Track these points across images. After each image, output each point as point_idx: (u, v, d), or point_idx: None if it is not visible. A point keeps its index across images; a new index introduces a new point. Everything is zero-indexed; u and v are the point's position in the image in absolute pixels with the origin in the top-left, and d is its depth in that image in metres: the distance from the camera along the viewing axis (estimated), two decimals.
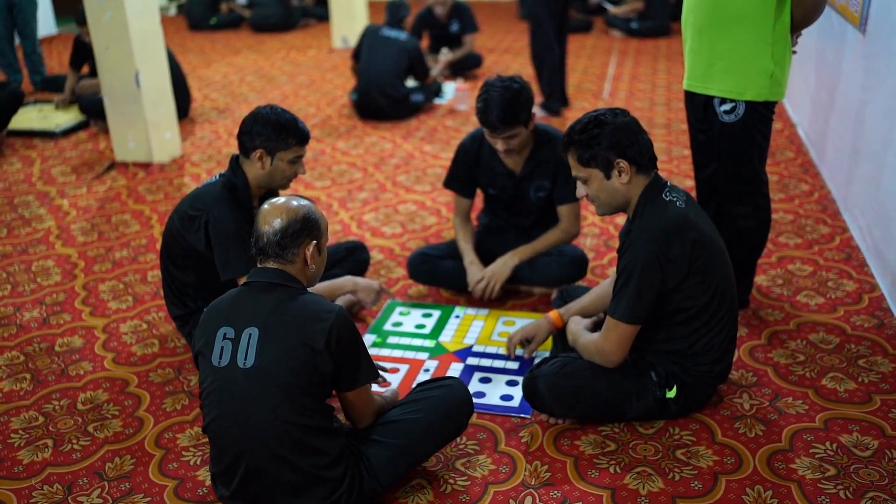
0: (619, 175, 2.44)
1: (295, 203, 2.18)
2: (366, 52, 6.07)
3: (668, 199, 2.45)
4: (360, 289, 3.08)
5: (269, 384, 2.06)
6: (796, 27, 2.90)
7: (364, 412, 2.29)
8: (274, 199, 2.20)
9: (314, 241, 2.19)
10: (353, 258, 3.39)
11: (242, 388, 2.07)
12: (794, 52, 3.01)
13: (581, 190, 2.55)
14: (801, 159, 4.85)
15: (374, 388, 2.50)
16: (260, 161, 2.81)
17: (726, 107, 2.94)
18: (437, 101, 6.49)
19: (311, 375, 2.08)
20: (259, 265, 2.19)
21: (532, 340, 2.91)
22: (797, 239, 3.83)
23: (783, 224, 3.99)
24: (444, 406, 2.37)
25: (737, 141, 2.98)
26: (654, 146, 2.48)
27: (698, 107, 3.08)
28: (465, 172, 3.45)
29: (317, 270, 2.25)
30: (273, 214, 2.15)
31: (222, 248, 2.77)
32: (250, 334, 2.08)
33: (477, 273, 3.32)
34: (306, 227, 2.16)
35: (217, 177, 2.91)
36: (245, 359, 2.08)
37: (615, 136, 2.41)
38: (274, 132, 2.77)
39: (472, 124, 5.77)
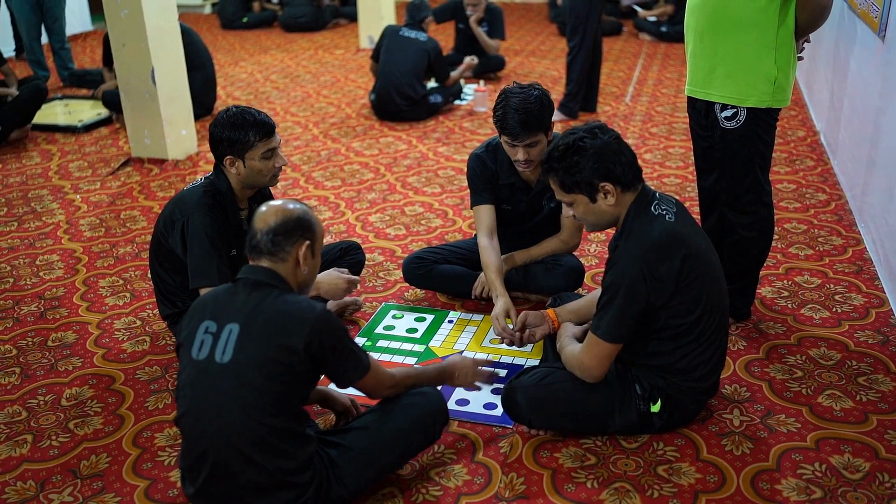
0: (605, 197, 2.35)
1: (290, 206, 2.19)
2: (384, 52, 6.03)
3: (656, 212, 2.36)
4: (323, 291, 2.94)
5: (242, 381, 2.04)
6: (801, 32, 2.80)
7: (375, 394, 2.31)
8: (271, 202, 2.21)
9: (307, 242, 2.17)
10: (347, 258, 3.34)
11: (217, 382, 2.06)
12: (800, 59, 2.92)
13: (567, 211, 2.48)
14: (822, 168, 4.72)
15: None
16: (234, 167, 2.79)
17: (727, 113, 2.85)
18: (457, 102, 6.44)
19: (287, 376, 2.06)
20: (251, 263, 2.18)
21: (528, 327, 2.77)
22: (808, 250, 3.72)
23: (795, 234, 3.87)
24: (417, 414, 2.32)
25: (738, 148, 2.89)
26: (637, 159, 2.39)
27: (700, 112, 3.00)
28: (488, 185, 3.21)
29: (309, 274, 2.22)
30: (268, 214, 2.17)
31: (194, 256, 2.76)
32: (231, 330, 2.08)
33: (501, 310, 2.95)
34: (300, 226, 2.16)
35: (202, 179, 2.89)
36: (223, 354, 2.06)
37: (597, 161, 2.31)
38: (234, 133, 2.73)
39: (490, 126, 5.72)
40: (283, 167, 2.88)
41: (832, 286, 3.39)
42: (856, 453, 2.43)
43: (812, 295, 3.33)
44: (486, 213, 3.20)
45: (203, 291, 2.73)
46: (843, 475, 2.34)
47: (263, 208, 2.19)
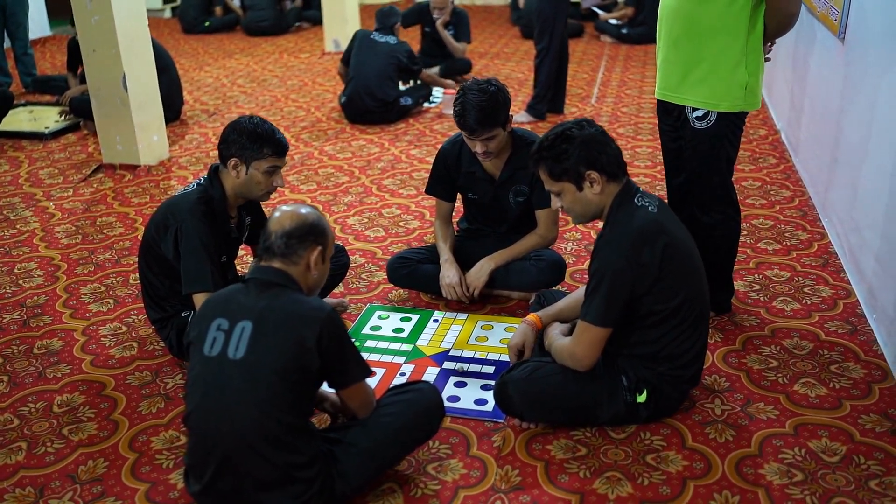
0: (591, 186, 2.46)
1: (304, 210, 2.27)
2: (356, 55, 6.11)
3: (639, 203, 2.48)
4: None
5: (256, 377, 2.09)
6: (770, 37, 2.93)
7: (360, 407, 2.34)
8: (286, 205, 2.28)
9: (319, 248, 2.25)
10: (332, 261, 3.37)
11: (230, 378, 2.11)
12: (767, 60, 3.04)
13: (555, 202, 2.57)
14: (784, 165, 4.88)
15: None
16: (235, 170, 2.84)
17: (699, 113, 2.96)
18: (426, 105, 6.51)
19: (299, 372, 2.12)
20: (263, 264, 2.23)
21: (525, 348, 2.83)
22: (776, 245, 3.85)
23: (763, 230, 4.01)
24: (415, 410, 2.39)
25: (707, 148, 2.99)
26: (622, 153, 2.51)
27: (671, 114, 3.10)
28: (446, 177, 3.47)
29: (318, 278, 2.29)
30: (284, 217, 2.24)
31: (188, 262, 2.79)
32: (244, 327, 2.13)
33: (450, 271, 3.35)
34: (313, 232, 2.24)
35: (194, 185, 2.92)
36: (236, 350, 2.12)
37: (584, 149, 2.43)
38: (249, 141, 2.80)
39: None
40: (278, 188, 2.94)
41: (801, 279, 3.52)
42: (832, 437, 2.54)
43: (782, 288, 3.46)
44: (438, 203, 3.55)
45: (197, 297, 2.77)
46: (822, 458, 2.45)
47: (278, 212, 2.26)
